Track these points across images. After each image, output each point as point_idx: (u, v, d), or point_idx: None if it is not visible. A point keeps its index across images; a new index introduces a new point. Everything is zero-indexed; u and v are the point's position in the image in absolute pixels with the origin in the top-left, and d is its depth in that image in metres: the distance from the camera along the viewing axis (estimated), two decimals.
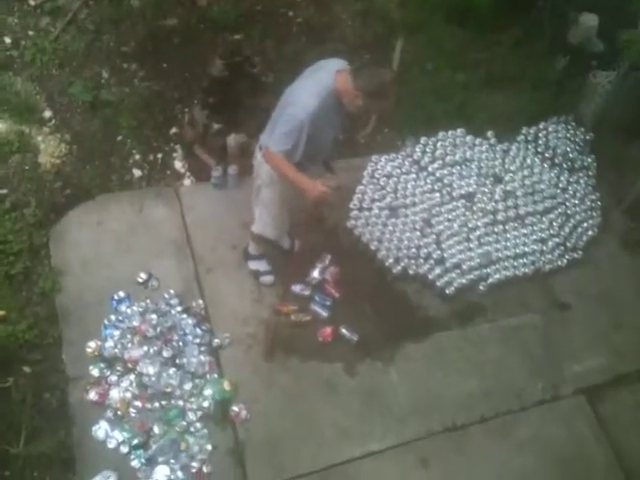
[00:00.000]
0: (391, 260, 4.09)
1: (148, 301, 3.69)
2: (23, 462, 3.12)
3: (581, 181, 4.76)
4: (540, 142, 4.92)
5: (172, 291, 3.76)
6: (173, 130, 4.62)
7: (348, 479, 3.30)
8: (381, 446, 3.43)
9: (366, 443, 3.43)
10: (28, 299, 3.62)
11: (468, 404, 3.62)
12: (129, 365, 3.44)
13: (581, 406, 3.72)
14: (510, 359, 3.83)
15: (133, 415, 3.27)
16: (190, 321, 3.66)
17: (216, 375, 3.51)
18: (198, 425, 3.32)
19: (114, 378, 3.38)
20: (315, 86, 3.07)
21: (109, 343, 3.48)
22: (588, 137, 4.97)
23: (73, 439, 3.20)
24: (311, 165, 3.32)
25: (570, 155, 4.87)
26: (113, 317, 3.58)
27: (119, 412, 3.28)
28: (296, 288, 3.89)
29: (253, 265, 3.90)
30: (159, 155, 4.51)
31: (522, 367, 3.82)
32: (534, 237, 4.37)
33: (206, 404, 3.39)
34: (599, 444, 3.59)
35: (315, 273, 3.97)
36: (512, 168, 4.72)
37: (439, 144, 4.73)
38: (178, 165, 4.49)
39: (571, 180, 4.75)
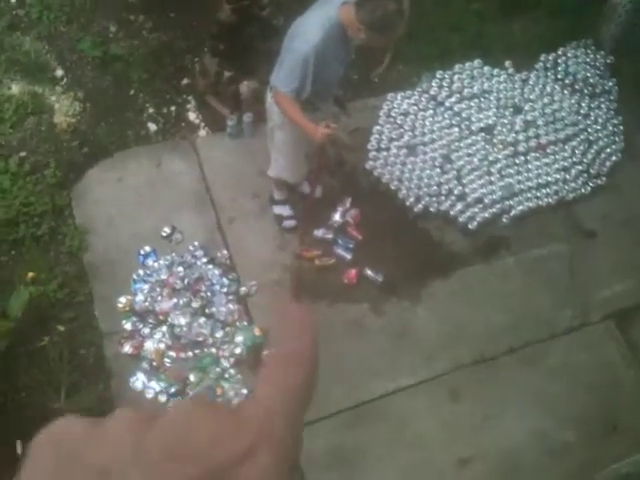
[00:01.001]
0: (412, 199, 4.07)
1: (174, 254, 3.74)
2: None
3: (602, 106, 4.65)
4: (559, 69, 4.78)
5: (196, 243, 3.79)
6: (185, 81, 4.57)
7: (380, 415, 3.38)
8: (411, 381, 3.49)
9: (396, 379, 3.49)
10: (56, 259, 3.68)
11: (496, 336, 3.65)
12: (160, 317, 3.51)
13: (610, 331, 3.73)
14: (536, 290, 3.84)
15: (168, 365, 3.36)
16: (216, 271, 3.70)
17: (246, 322, 3.57)
18: (232, 371, 3.41)
19: (147, 330, 3.46)
20: (319, 18, 2.99)
21: (139, 297, 3.54)
22: (608, 60, 4.82)
23: (112, 392, 3.31)
24: (322, 103, 3.28)
25: (591, 80, 4.73)
26: (141, 272, 3.64)
27: (154, 363, 3.37)
28: (318, 232, 3.90)
29: (277, 210, 3.91)
30: (173, 107, 4.48)
31: (549, 297, 3.82)
32: (556, 166, 4.30)
33: (238, 350, 3.46)
34: (629, 368, 3.62)
35: (337, 216, 3.97)
36: (532, 97, 4.61)
37: (456, 77, 4.62)
38: (192, 116, 4.46)
39: (592, 106, 4.63)
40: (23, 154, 4.03)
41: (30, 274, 3.53)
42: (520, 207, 4.10)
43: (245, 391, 3.36)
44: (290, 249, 3.84)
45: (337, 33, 2.99)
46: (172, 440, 0.35)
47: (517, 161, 4.29)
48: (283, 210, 3.90)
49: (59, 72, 4.49)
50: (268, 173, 3.71)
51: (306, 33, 2.97)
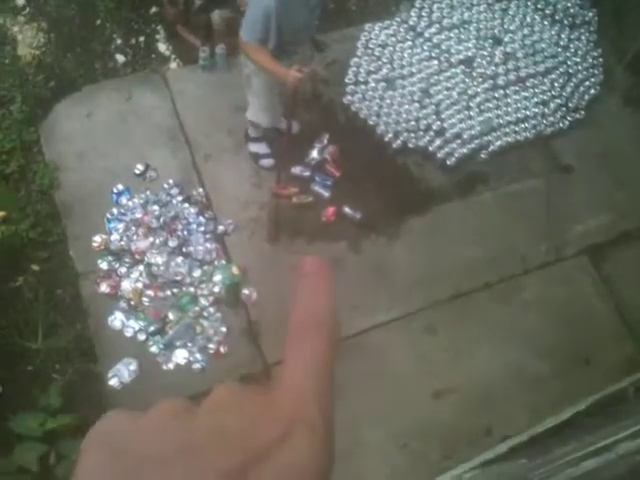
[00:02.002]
0: (390, 134, 4.01)
1: (148, 192, 3.67)
2: (44, 356, 3.23)
3: (582, 37, 4.57)
4: None
5: (171, 181, 3.72)
6: (154, 9, 4.37)
7: (360, 349, 3.42)
8: (388, 317, 3.54)
9: (374, 315, 3.53)
10: (27, 198, 3.59)
11: (472, 272, 3.69)
12: (137, 256, 3.47)
13: (584, 266, 3.80)
14: (513, 225, 3.86)
15: (147, 304, 3.35)
16: (192, 210, 3.65)
17: (224, 261, 3.55)
18: (211, 310, 3.41)
19: (124, 270, 3.43)
20: None
21: (114, 236, 3.49)
22: None
23: (90, 331, 3.30)
24: (298, 47, 3.17)
25: (571, 10, 4.64)
26: (115, 210, 3.57)
27: (132, 302, 3.35)
28: (296, 170, 3.85)
29: (253, 147, 3.83)
30: (141, 38, 4.30)
31: (525, 232, 3.85)
32: (535, 100, 4.26)
33: (217, 289, 3.46)
34: (602, 301, 3.70)
35: (314, 153, 3.91)
36: (512, 28, 4.51)
37: (435, 7, 4.49)
38: (162, 48, 4.29)
39: (572, 37, 4.55)
40: None
41: (1, 213, 3.45)
42: (498, 142, 4.07)
43: (224, 329, 3.38)
44: (267, 186, 3.79)
45: None
46: (215, 425, 0.37)
47: (496, 95, 4.23)
48: (259, 148, 3.83)
49: (20, 1, 4.27)
50: (246, 115, 3.60)
51: None
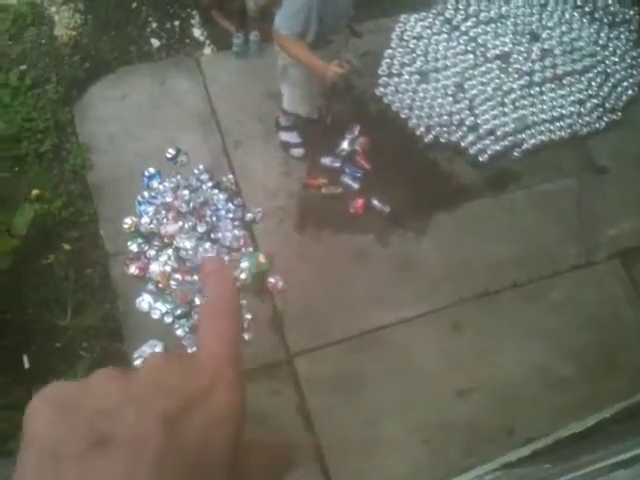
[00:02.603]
0: (422, 128, 3.98)
1: (179, 177, 3.68)
2: (72, 333, 3.27)
3: (622, 37, 4.49)
4: None
5: (202, 166, 3.73)
6: None
7: (382, 344, 3.42)
8: (414, 312, 3.52)
9: (399, 310, 3.52)
10: (60, 177, 3.62)
11: (500, 270, 3.66)
12: (166, 240, 3.49)
13: (615, 270, 3.74)
14: (544, 225, 3.82)
15: (174, 287, 3.37)
16: (222, 196, 3.66)
17: (251, 249, 3.56)
18: None
19: (152, 252, 3.45)
20: None
21: (144, 219, 3.51)
22: None
23: (118, 311, 3.33)
24: (335, 36, 3.14)
25: (611, 8, 4.56)
26: (146, 193, 3.59)
27: (160, 285, 3.37)
28: (326, 160, 3.84)
29: (284, 136, 3.82)
30: (176, 22, 4.30)
31: (556, 233, 3.80)
32: (571, 99, 4.20)
33: (243, 276, 3.46)
34: (632, 307, 3.64)
35: (345, 144, 3.89)
36: (550, 24, 4.45)
37: (472, 0, 4.44)
38: (197, 33, 4.29)
39: (611, 36, 4.48)
40: (23, 67, 3.90)
41: (34, 191, 3.49)
42: (532, 140, 4.02)
43: (249, 316, 3.39)
44: (295, 175, 3.79)
45: None
46: (151, 381, 0.45)
47: (532, 92, 4.18)
48: (290, 137, 3.82)
49: None
50: (284, 106, 3.58)
51: None
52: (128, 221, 3.50)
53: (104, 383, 0.45)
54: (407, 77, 4.14)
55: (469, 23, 4.36)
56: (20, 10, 4.05)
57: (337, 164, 3.83)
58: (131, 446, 0.40)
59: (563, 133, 4.08)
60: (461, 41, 4.30)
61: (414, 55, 4.22)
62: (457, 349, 3.42)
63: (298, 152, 3.82)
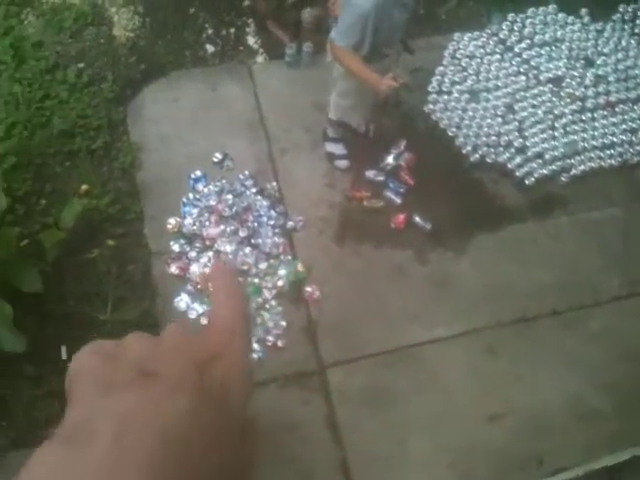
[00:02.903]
0: (469, 147, 3.96)
1: (224, 181, 3.73)
2: (110, 328, 3.33)
3: None
4: (638, 22, 4.53)
5: (247, 172, 3.77)
6: (246, 2, 4.45)
7: (415, 361, 3.40)
8: (449, 332, 3.49)
9: (434, 328, 3.49)
10: (109, 174, 3.70)
11: (540, 296, 3.60)
12: (207, 242, 3.54)
13: None
14: (588, 253, 3.75)
15: (212, 289, 3.39)
16: (265, 203, 3.69)
17: (290, 257, 3.58)
18: (273, 303, 3.45)
19: (193, 254, 3.50)
20: None
21: (188, 220, 3.57)
22: None
23: (157, 309, 3.38)
24: (389, 49, 3.15)
25: None
26: (191, 195, 3.65)
27: (199, 286, 3.42)
28: (370, 174, 3.85)
29: (330, 147, 3.85)
30: (232, 30, 4.38)
31: (599, 262, 3.74)
32: (624, 127, 4.12)
33: (280, 283, 3.48)
34: None
35: (390, 159, 3.89)
36: (605, 50, 4.39)
37: (528, 22, 4.41)
38: (251, 41, 4.36)
39: None
40: (81, 65, 4.01)
41: (84, 187, 3.57)
42: (581, 167, 3.97)
43: (284, 323, 3.41)
44: (339, 187, 3.81)
45: None
46: (177, 340, 0.53)
47: (583, 117, 4.12)
48: (336, 148, 3.84)
49: None
50: (330, 116, 3.61)
51: None
52: (172, 221, 3.56)
53: (137, 341, 0.53)
54: (457, 95, 4.13)
55: (523, 45, 4.33)
56: (82, 9, 4.18)
57: (381, 178, 3.84)
58: (173, 380, 0.48)
59: (613, 161, 4.01)
60: (514, 62, 4.28)
61: (465, 74, 4.21)
62: (491, 372, 3.38)
63: (343, 164, 3.84)
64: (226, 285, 0.61)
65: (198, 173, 3.72)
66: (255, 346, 3.32)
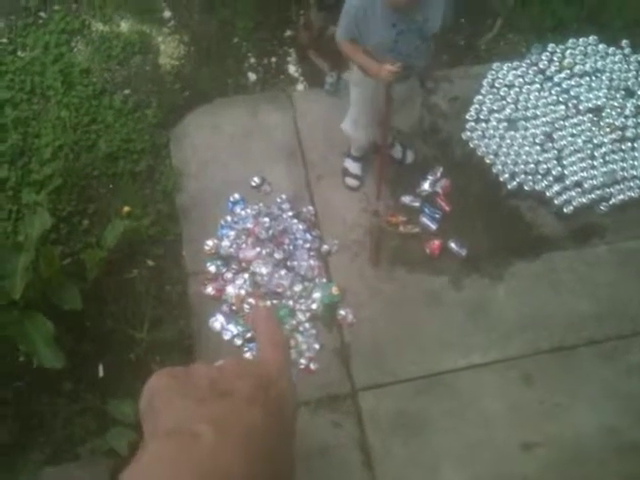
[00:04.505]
0: (506, 175, 3.95)
1: (261, 204, 3.79)
2: (147, 347, 3.39)
3: None
4: None
5: (284, 196, 3.83)
6: (288, 33, 4.56)
7: (448, 388, 3.37)
8: (484, 359, 3.45)
9: (469, 355, 3.46)
10: (151, 197, 3.80)
11: (578, 325, 3.54)
12: (243, 264, 3.59)
13: None
14: (626, 283, 3.68)
15: (247, 311, 3.45)
16: (300, 226, 3.74)
17: (324, 279, 3.61)
18: (307, 325, 3.47)
19: (230, 275, 3.55)
20: None
21: (225, 242, 3.63)
22: None
23: (192, 329, 3.43)
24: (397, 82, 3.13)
25: None
26: (229, 218, 3.72)
27: (234, 307, 3.46)
28: (405, 199, 3.87)
29: (346, 163, 3.90)
30: (273, 59, 4.48)
31: (638, 292, 3.66)
32: None
33: (315, 306, 3.51)
34: None
35: (426, 185, 3.91)
36: None
37: (568, 52, 4.40)
38: (292, 69, 4.46)
39: None
40: (127, 91, 4.16)
41: (126, 208, 3.67)
42: (621, 196, 3.92)
43: (317, 346, 3.42)
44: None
45: None
46: (237, 368, 0.66)
47: (623, 147, 4.08)
48: (351, 167, 3.88)
49: (167, 13, 4.57)
50: (341, 125, 3.66)
51: None
52: (210, 243, 3.63)
53: (203, 367, 0.66)
54: (495, 123, 4.13)
55: (563, 75, 4.32)
56: (130, 38, 4.34)
57: (417, 204, 3.85)
58: (246, 397, 0.61)
59: None
60: (553, 92, 4.27)
61: (504, 102, 4.22)
62: (525, 401, 3.32)
63: (352, 183, 3.88)
64: (270, 334, 0.74)
65: (237, 196, 3.79)
66: None
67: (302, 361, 3.36)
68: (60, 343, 3.03)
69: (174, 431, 0.58)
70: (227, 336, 3.40)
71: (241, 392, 0.61)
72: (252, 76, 4.39)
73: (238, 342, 3.39)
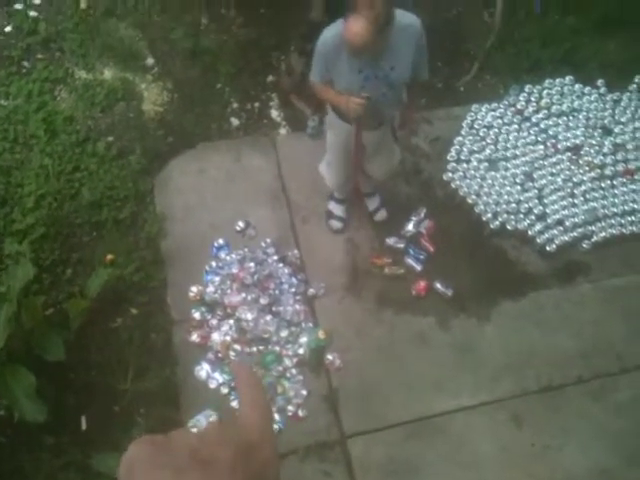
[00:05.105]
0: (489, 214, 3.99)
1: (246, 249, 3.78)
2: (131, 398, 3.33)
3: None
4: None
5: (269, 240, 3.83)
6: (270, 78, 4.62)
7: (439, 432, 3.33)
8: (473, 401, 3.43)
9: (458, 397, 3.44)
10: (135, 244, 3.78)
11: (565, 364, 3.54)
12: (229, 310, 3.56)
13: None
14: (612, 321, 3.70)
15: (233, 358, 3.41)
16: (286, 270, 3.73)
17: (311, 324, 3.59)
18: (294, 371, 3.43)
19: (215, 322, 3.52)
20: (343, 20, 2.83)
21: (210, 288, 3.61)
22: None
23: (177, 378, 3.38)
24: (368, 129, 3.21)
25: None
26: (214, 263, 3.71)
27: (220, 354, 3.42)
28: (390, 240, 3.88)
29: (330, 206, 3.93)
30: (256, 104, 4.53)
31: (624, 330, 3.67)
32: None
33: (301, 351, 3.48)
34: None
35: (410, 226, 3.94)
36: (623, 120, 4.45)
37: (545, 92, 4.50)
38: (274, 114, 4.50)
39: None
40: (111, 139, 4.17)
41: (109, 256, 3.65)
42: (603, 233, 3.96)
43: (305, 392, 3.38)
44: (360, 255, 3.83)
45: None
46: (219, 434, 0.65)
47: (603, 185, 4.15)
48: (335, 209, 3.91)
49: (150, 61, 4.62)
50: (319, 167, 3.71)
51: (325, 30, 2.93)
52: (194, 289, 3.60)
53: (183, 434, 0.66)
54: (476, 164, 4.19)
55: (540, 115, 4.41)
56: (113, 85, 4.37)
57: (401, 245, 3.87)
58: (228, 464, 0.61)
59: (634, 228, 4.00)
60: (532, 132, 4.35)
61: (484, 143, 4.29)
62: (516, 443, 3.29)
63: (336, 225, 3.90)
64: (251, 396, 0.74)
65: (221, 241, 3.79)
66: (275, 416, 3.29)
67: (290, 408, 3.32)
68: (42, 396, 2.98)
69: None
70: (213, 385, 3.35)
71: (221, 461, 0.61)
72: (235, 121, 4.43)
73: (224, 390, 3.34)
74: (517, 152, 4.24)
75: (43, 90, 4.30)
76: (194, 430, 0.70)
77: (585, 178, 4.16)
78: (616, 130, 4.38)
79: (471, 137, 4.31)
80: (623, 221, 4.01)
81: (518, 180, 4.12)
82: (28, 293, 3.28)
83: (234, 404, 3.30)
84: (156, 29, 4.73)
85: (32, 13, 4.64)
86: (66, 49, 4.51)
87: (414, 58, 2.93)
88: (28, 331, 3.08)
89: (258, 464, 0.64)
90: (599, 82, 4.60)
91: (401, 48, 2.87)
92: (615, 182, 4.17)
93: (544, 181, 4.12)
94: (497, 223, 3.97)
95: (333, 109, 3.24)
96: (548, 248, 3.89)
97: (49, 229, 3.68)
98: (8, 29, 4.58)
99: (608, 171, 4.20)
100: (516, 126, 4.36)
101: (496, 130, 4.34)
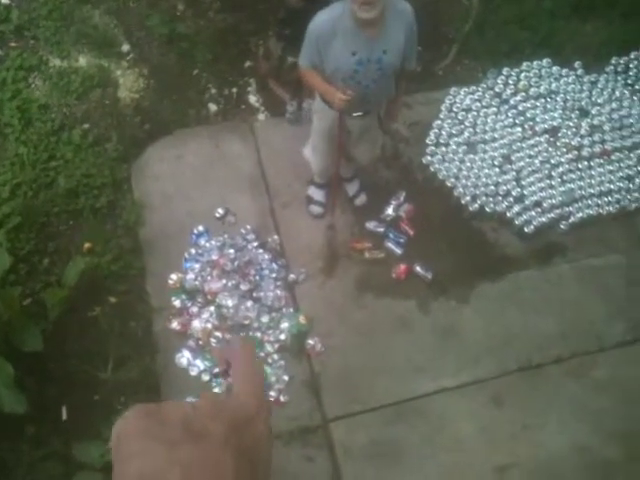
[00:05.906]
0: (468, 197, 4.00)
1: (226, 236, 3.77)
2: (111, 387, 3.31)
3: None
4: (631, 73, 4.63)
5: (249, 226, 3.82)
6: (248, 63, 4.58)
7: (420, 414, 3.35)
8: (454, 383, 3.45)
9: (439, 379, 3.46)
10: (113, 232, 3.75)
11: (544, 344, 3.58)
12: (209, 297, 3.55)
13: None
14: (590, 300, 3.74)
15: (214, 344, 3.40)
16: (266, 256, 3.72)
17: (292, 309, 3.58)
18: (275, 356, 3.43)
19: (195, 309, 3.50)
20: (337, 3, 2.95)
21: (190, 275, 3.59)
22: None
23: (158, 366, 3.37)
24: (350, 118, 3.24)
25: None
26: (193, 250, 3.69)
27: (200, 342, 3.41)
28: (370, 225, 3.89)
29: (310, 191, 3.92)
30: (234, 89, 4.50)
31: (602, 308, 3.72)
32: (620, 174, 4.17)
33: (283, 337, 3.48)
34: None
35: (389, 210, 3.94)
36: (600, 101, 4.47)
37: (523, 75, 4.51)
38: (253, 99, 4.47)
39: None
40: (86, 126, 4.12)
41: (86, 245, 3.62)
42: (580, 214, 3.99)
43: (287, 377, 3.38)
44: (340, 239, 3.83)
45: (349, 24, 2.89)
46: (213, 407, 0.67)
47: (580, 166, 4.17)
48: (315, 194, 3.91)
49: (125, 47, 4.55)
50: (302, 150, 3.72)
51: (319, 13, 2.95)
52: (174, 277, 3.58)
53: (177, 405, 0.67)
54: (454, 147, 4.19)
55: (518, 97, 4.42)
56: (88, 72, 4.31)
57: (381, 229, 3.87)
58: (221, 438, 0.66)
59: (611, 208, 4.04)
60: (510, 115, 4.36)
61: (462, 126, 4.29)
62: (497, 423, 3.33)
63: (316, 210, 3.89)
64: (247, 373, 0.81)
65: (200, 228, 3.76)
66: None
67: (272, 393, 3.31)
68: (21, 387, 2.95)
69: (147, 477, 0.63)
70: (194, 372, 3.34)
71: (215, 435, 0.66)
72: (213, 107, 4.39)
73: (205, 378, 3.33)
74: (495, 135, 4.25)
75: (17, 78, 4.22)
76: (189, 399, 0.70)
77: (563, 160, 4.18)
78: (593, 112, 4.41)
79: (450, 120, 4.31)
80: (600, 202, 4.04)
81: (496, 162, 4.14)
82: (4, 284, 3.24)
83: (216, 390, 3.29)
84: (132, 15, 4.67)
85: (4, 1, 4.56)
86: (40, 36, 4.43)
87: (405, 45, 2.99)
88: (5, 322, 3.05)
89: (250, 439, 0.70)
90: (576, 64, 4.61)
91: (394, 32, 2.94)
92: (592, 163, 4.20)
93: (522, 163, 4.14)
94: (476, 206, 3.98)
95: (319, 94, 3.23)
96: (526, 230, 3.92)
97: (25, 218, 3.62)
98: None
99: (585, 152, 4.22)
100: (494, 109, 4.37)
101: (474, 113, 4.34)
